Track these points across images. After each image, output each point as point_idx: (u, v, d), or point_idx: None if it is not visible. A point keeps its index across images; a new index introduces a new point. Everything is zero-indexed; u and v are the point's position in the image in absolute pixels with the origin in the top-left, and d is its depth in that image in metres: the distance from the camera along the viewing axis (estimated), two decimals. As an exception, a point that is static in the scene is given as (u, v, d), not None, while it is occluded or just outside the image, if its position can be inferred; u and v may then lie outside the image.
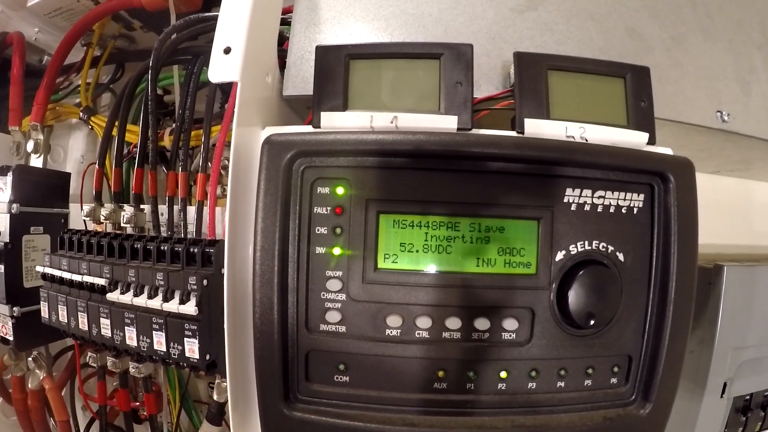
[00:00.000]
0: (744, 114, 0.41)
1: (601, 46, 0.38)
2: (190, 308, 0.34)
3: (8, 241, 0.44)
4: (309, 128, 0.31)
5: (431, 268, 0.28)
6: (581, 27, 0.38)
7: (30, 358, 0.48)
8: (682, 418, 0.48)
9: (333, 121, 0.30)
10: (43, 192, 0.48)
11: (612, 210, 0.30)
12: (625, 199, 0.30)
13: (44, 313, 0.43)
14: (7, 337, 0.45)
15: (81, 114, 0.50)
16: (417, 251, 0.27)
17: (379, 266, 0.28)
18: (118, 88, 0.56)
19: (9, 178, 0.45)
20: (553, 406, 0.29)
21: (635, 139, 0.32)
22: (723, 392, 0.47)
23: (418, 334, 0.28)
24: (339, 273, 0.28)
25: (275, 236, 0.27)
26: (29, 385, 0.48)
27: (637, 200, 0.30)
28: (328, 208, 0.28)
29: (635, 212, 0.30)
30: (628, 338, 0.30)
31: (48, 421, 0.50)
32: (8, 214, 0.45)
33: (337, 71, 0.31)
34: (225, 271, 0.29)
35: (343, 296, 0.28)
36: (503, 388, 0.29)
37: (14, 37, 0.51)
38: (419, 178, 0.28)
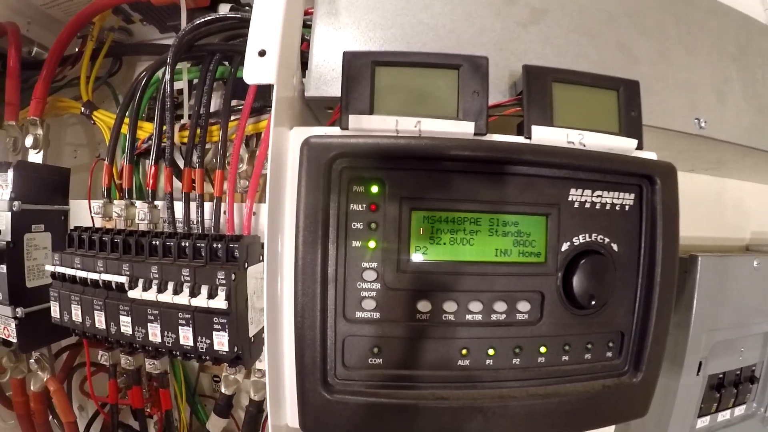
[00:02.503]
0: (719, 121, 0.49)
1: (595, 59, 0.44)
2: (221, 302, 0.38)
3: (10, 239, 0.46)
4: (336, 129, 0.35)
5: (458, 258, 0.33)
6: (578, 41, 0.44)
7: (32, 360, 0.50)
8: (663, 394, 0.56)
9: (360, 123, 0.35)
10: (44, 189, 0.49)
11: (608, 207, 0.36)
12: (618, 198, 0.37)
13: (55, 313, 0.45)
14: (9, 339, 0.47)
15: (83, 109, 0.51)
16: (445, 243, 0.33)
17: (411, 257, 0.33)
18: (115, 82, 0.58)
19: (10, 174, 0.47)
20: (559, 377, 0.36)
21: (626, 144, 0.39)
22: (699, 370, 0.56)
23: (445, 317, 0.33)
24: (374, 264, 0.33)
25: (318, 232, 0.31)
26: (31, 388, 0.50)
27: (628, 199, 0.37)
28: (364, 206, 0.33)
29: (627, 209, 0.37)
30: (621, 317, 0.37)
31: (50, 424, 0.52)
32: (9, 212, 0.46)
33: (364, 76, 0.36)
34: (265, 265, 0.33)
35: (378, 285, 0.33)
36: (517, 362, 0.35)
37: (9, 29, 0.52)
38: (446, 179, 0.33)
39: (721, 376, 0.58)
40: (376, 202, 0.33)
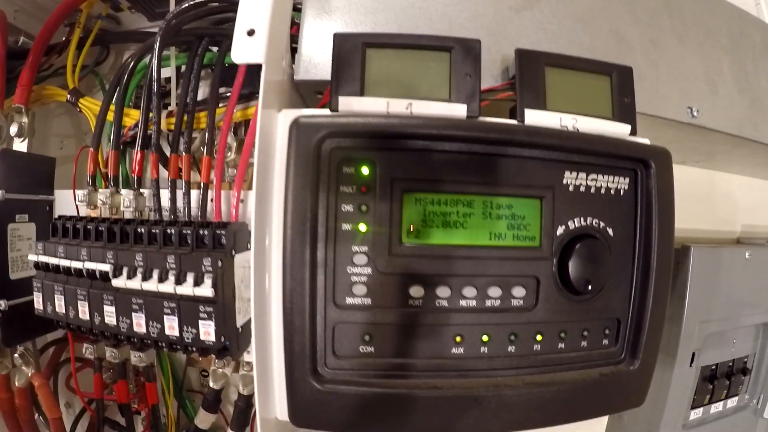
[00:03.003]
0: (711, 111, 0.49)
1: (588, 46, 0.43)
2: (207, 290, 0.36)
3: (-8, 229, 0.44)
4: (326, 111, 0.34)
5: (451, 242, 0.32)
6: (571, 27, 0.43)
7: (16, 355, 0.48)
8: (657, 385, 0.55)
9: (351, 105, 0.33)
10: (29, 178, 0.47)
11: (603, 191, 0.35)
12: (613, 182, 0.35)
13: (38, 304, 0.43)
14: (-8, 332, 0.45)
15: (69, 96, 0.49)
16: (437, 226, 0.31)
17: (403, 240, 0.31)
18: (102, 70, 0.56)
19: (-8, 163, 0.45)
20: (555, 365, 0.34)
21: (619, 130, 0.37)
22: (692, 361, 0.55)
23: (438, 302, 0.32)
24: (365, 248, 0.31)
25: (306, 215, 0.30)
26: (15, 383, 0.48)
27: (623, 183, 0.36)
28: (354, 187, 0.31)
29: (621, 193, 0.36)
30: (616, 304, 0.36)
31: (36, 420, 0.49)
32: (-8, 202, 0.44)
33: (354, 58, 0.34)
34: (252, 251, 0.31)
35: (368, 270, 0.31)
36: (512, 350, 0.33)
37: (-5, 16, 0.50)
38: (439, 160, 0.32)
39: (713, 367, 0.57)
40: (367, 183, 0.31)
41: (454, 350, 0.32)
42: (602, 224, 0.35)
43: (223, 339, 0.38)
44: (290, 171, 0.30)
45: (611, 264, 0.35)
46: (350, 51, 0.34)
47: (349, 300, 0.31)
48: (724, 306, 0.56)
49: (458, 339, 0.32)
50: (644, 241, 0.36)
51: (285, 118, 0.35)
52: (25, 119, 0.48)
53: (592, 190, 0.35)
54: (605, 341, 0.36)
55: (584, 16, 0.44)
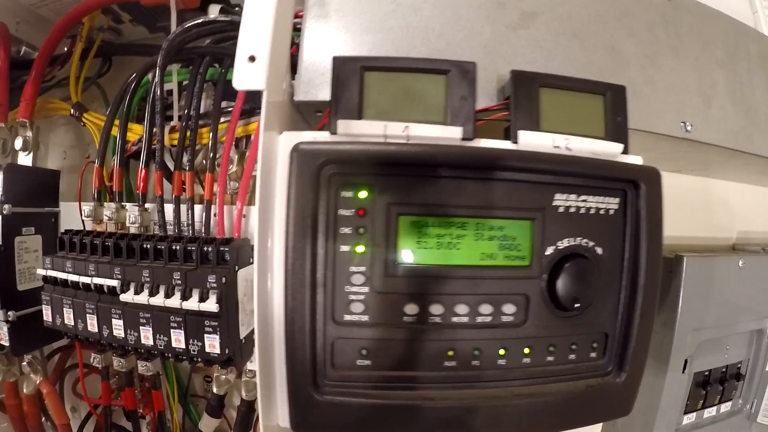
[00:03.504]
0: (704, 125, 0.51)
1: (584, 63, 0.45)
2: (212, 305, 0.39)
3: (0, 243, 0.47)
4: (326, 134, 0.36)
5: (444, 262, 0.34)
6: (567, 45, 0.45)
7: (24, 363, 0.50)
8: (649, 391, 0.58)
9: (349, 128, 0.35)
10: (34, 191, 0.50)
11: (592, 211, 0.37)
12: (603, 203, 0.38)
13: (47, 316, 0.45)
14: (1, 342, 0.47)
15: (72, 110, 0.52)
16: (431, 248, 0.34)
17: (398, 261, 0.34)
18: (105, 83, 0.58)
19: (-1, 177, 0.47)
20: (544, 377, 0.37)
21: (611, 149, 0.39)
22: (684, 368, 0.57)
23: (431, 319, 0.34)
24: (362, 268, 0.33)
25: (306, 237, 0.32)
26: (24, 390, 0.50)
27: (613, 203, 0.38)
28: (352, 211, 0.33)
29: (611, 213, 0.38)
30: (604, 318, 0.38)
31: (43, 426, 0.52)
32: (0, 215, 0.47)
33: (353, 81, 0.36)
34: (255, 268, 0.34)
35: (366, 289, 0.33)
36: (503, 363, 0.36)
37: (-2, 29, 0.52)
38: (433, 184, 0.34)
39: (707, 373, 0.60)
40: (365, 207, 0.33)
41: (447, 363, 0.35)
42: (591, 243, 0.37)
43: (227, 351, 0.41)
44: (291, 195, 0.32)
45: (599, 282, 0.37)
46: (349, 74, 0.36)
47: (347, 317, 0.34)
48: (717, 314, 0.58)
49: (450, 353, 0.35)
50: (632, 259, 0.38)
51: (286, 140, 0.37)
52: (29, 133, 0.50)
53: (582, 210, 0.37)
54: (593, 354, 0.39)
55: (580, 32, 0.46)
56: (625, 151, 0.40)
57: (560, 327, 0.37)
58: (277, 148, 0.37)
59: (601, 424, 0.61)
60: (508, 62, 0.43)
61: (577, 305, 0.36)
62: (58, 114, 0.54)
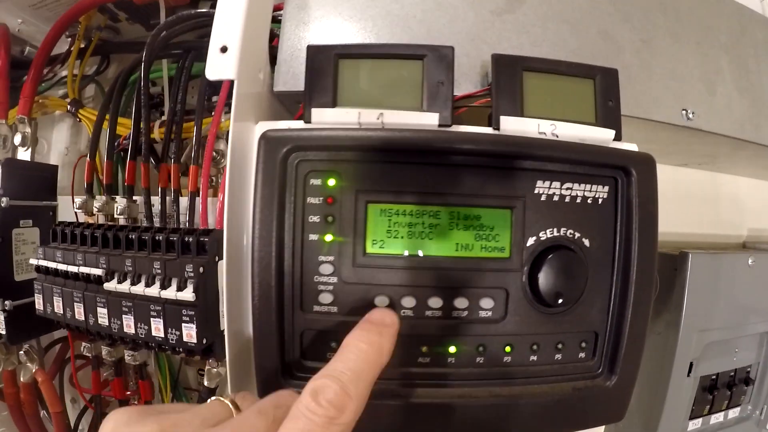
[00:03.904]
0: (708, 112, 0.47)
1: (574, 48, 0.42)
2: (188, 295, 0.38)
3: (-2, 234, 0.47)
4: (300, 123, 0.35)
5: (415, 252, 0.32)
6: (556, 29, 0.42)
7: (21, 352, 0.51)
8: (652, 394, 0.53)
9: (323, 116, 0.34)
10: (32, 185, 0.50)
11: (579, 200, 0.34)
12: (590, 191, 0.35)
13: (39, 305, 0.46)
14: (-1, 331, 0.48)
15: (69, 107, 0.52)
16: (402, 237, 0.31)
17: (367, 251, 0.32)
18: (103, 80, 0.59)
19: (-3, 171, 0.47)
20: (526, 377, 0.34)
21: (602, 135, 0.36)
22: (689, 371, 0.53)
23: (403, 312, 0.32)
24: (331, 258, 0.32)
25: (272, 225, 0.30)
26: (21, 379, 0.51)
27: (602, 191, 0.35)
28: (321, 199, 0.32)
29: (600, 202, 0.35)
30: (594, 316, 0.35)
31: (40, 414, 0.53)
32: (-2, 208, 0.47)
33: (327, 70, 0.35)
34: (225, 257, 0.33)
35: (334, 279, 0.32)
36: (481, 361, 0.33)
37: (-1, 29, 0.53)
38: (404, 171, 0.32)
39: (714, 377, 0.55)
40: (333, 195, 0.32)
41: (421, 359, 0.33)
42: (577, 235, 0.34)
43: (205, 341, 0.40)
44: (258, 182, 0.31)
45: (586, 276, 0.34)
46: (323, 62, 0.35)
47: (316, 307, 0.32)
48: (725, 314, 0.53)
49: (424, 349, 0.32)
50: (624, 251, 0.35)
51: (261, 130, 0.36)
52: (28, 129, 0.51)
53: (567, 199, 0.34)
54: (581, 354, 0.36)
55: (570, 16, 0.43)
56: (618, 138, 0.37)
57: (544, 324, 0.34)
58: (253, 137, 0.36)
59: (603, 428, 0.57)
60: (493, 48, 0.40)
61: (560, 301, 0.33)
62: (55, 110, 0.54)
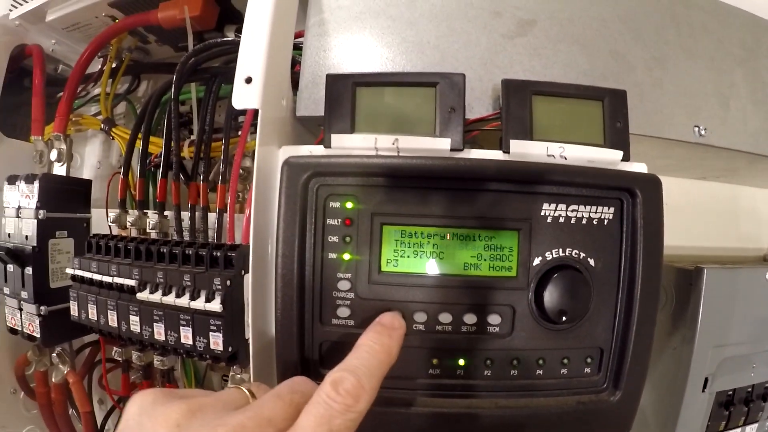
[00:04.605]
0: (721, 128, 0.49)
1: (585, 69, 0.45)
2: (216, 306, 0.42)
3: (36, 244, 0.53)
4: (320, 148, 0.39)
5: (427, 271, 0.35)
6: (567, 51, 0.45)
7: (54, 354, 0.56)
8: (666, 410, 0.56)
9: (342, 142, 0.38)
10: (67, 198, 0.56)
11: (584, 222, 0.37)
12: (596, 212, 0.38)
13: (74, 311, 0.51)
14: (34, 334, 0.54)
15: (102, 125, 0.57)
16: (414, 257, 0.35)
17: (382, 269, 0.35)
18: (134, 98, 0.64)
19: (36, 186, 0.53)
20: (532, 391, 0.37)
21: (610, 156, 0.39)
22: (705, 387, 0.55)
23: (415, 326, 0.36)
24: (348, 275, 0.36)
25: (294, 244, 0.35)
26: (52, 380, 0.57)
27: (607, 213, 0.38)
28: (339, 220, 0.36)
29: (605, 223, 0.38)
30: (599, 333, 0.38)
31: (69, 414, 0.58)
32: (35, 220, 0.53)
33: (345, 97, 0.39)
34: (251, 272, 0.37)
35: (351, 295, 0.36)
36: (488, 374, 0.37)
37: (35, 51, 0.59)
38: (417, 195, 0.35)
39: (730, 393, 0.57)
40: (351, 217, 0.36)
41: (431, 371, 0.36)
42: (582, 255, 0.37)
43: (230, 349, 0.44)
44: (281, 205, 0.35)
45: (590, 295, 0.37)
46: (341, 90, 0.39)
47: (334, 321, 0.36)
48: (742, 330, 0.55)
49: (435, 361, 0.36)
50: (629, 271, 0.38)
51: (285, 154, 0.40)
52: (63, 146, 0.56)
53: (573, 221, 0.37)
54: (587, 369, 0.38)
55: (581, 38, 0.46)
56: (626, 158, 0.40)
57: (550, 340, 0.37)
58: (278, 161, 0.40)
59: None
60: (504, 72, 0.44)
61: (564, 318, 0.36)
62: (89, 128, 0.60)
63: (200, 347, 0.44)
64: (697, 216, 0.59)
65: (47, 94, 0.59)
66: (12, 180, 0.55)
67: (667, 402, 0.57)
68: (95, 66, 0.61)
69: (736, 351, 0.56)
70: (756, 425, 0.59)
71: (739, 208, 0.65)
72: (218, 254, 0.45)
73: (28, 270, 0.53)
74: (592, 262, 0.38)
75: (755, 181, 0.64)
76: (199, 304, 0.43)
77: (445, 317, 0.36)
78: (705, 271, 0.53)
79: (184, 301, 0.44)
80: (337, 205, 0.36)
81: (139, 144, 0.53)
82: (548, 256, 0.37)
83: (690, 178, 0.61)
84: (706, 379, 0.55)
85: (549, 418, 0.37)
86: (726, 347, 0.55)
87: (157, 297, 0.45)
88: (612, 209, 0.38)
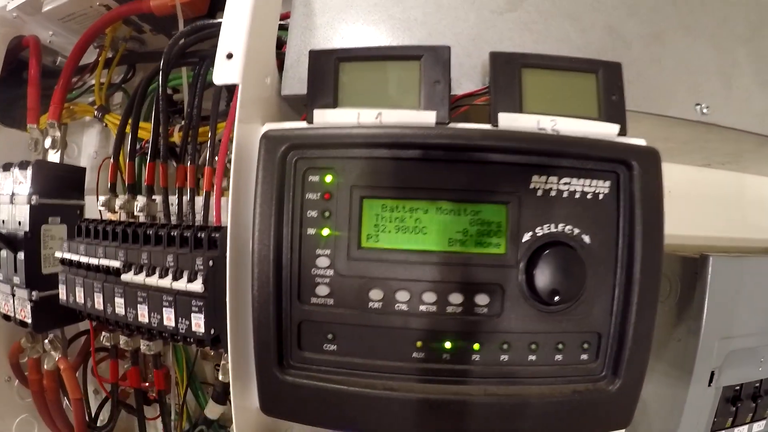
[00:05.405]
0: (724, 106, 0.45)
1: (579, 45, 0.42)
2: (197, 286, 0.40)
3: (28, 230, 0.51)
4: (304, 124, 0.36)
5: (409, 247, 0.33)
6: (559, 26, 0.42)
7: (46, 341, 0.55)
8: (670, 404, 0.51)
9: (324, 117, 0.36)
10: (60, 185, 0.54)
11: (578, 196, 0.34)
12: (590, 186, 0.34)
13: (62, 294, 0.49)
14: (25, 320, 0.52)
15: (95, 112, 0.56)
16: (396, 232, 0.33)
17: (362, 245, 0.33)
18: (130, 88, 0.63)
19: (29, 172, 0.52)
20: (524, 377, 0.34)
21: (606, 130, 0.36)
22: (710, 381, 0.51)
23: (398, 306, 0.33)
24: (327, 251, 0.33)
25: (271, 219, 0.32)
26: (45, 367, 0.55)
27: (602, 187, 0.35)
28: (318, 194, 0.33)
29: (601, 198, 0.35)
30: (596, 316, 0.35)
31: (62, 401, 0.57)
32: (28, 206, 0.52)
33: (328, 73, 0.36)
34: (228, 250, 0.35)
35: (330, 272, 0.33)
36: (477, 359, 0.34)
37: (31, 41, 0.58)
38: (399, 167, 0.33)
39: (738, 387, 0.53)
40: (330, 191, 0.33)
41: (415, 354, 0.33)
42: (576, 231, 0.34)
43: (213, 331, 0.42)
44: (258, 179, 0.33)
45: (585, 274, 0.33)
46: (324, 66, 0.37)
47: (313, 299, 0.33)
48: (749, 321, 0.51)
49: (419, 344, 0.33)
50: (627, 249, 0.34)
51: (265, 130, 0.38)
52: (57, 133, 0.55)
53: (565, 194, 0.34)
54: (584, 356, 0.35)
55: (574, 12, 0.43)
56: (623, 133, 0.37)
57: (543, 323, 0.34)
58: (259, 138, 0.38)
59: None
60: (494, 48, 0.41)
61: (557, 298, 0.33)
62: (83, 116, 0.59)
63: (182, 329, 0.42)
64: (702, 205, 0.55)
65: (45, 86, 0.58)
66: (7, 167, 0.54)
67: (670, 397, 0.53)
68: (92, 57, 0.60)
69: (743, 343, 0.51)
70: (764, 422, 0.55)
71: (745, 197, 0.61)
72: (202, 235, 0.43)
73: (21, 255, 0.52)
74: (586, 239, 0.34)
75: (762, 168, 0.60)
76: (181, 284, 0.41)
77: (430, 296, 0.33)
78: (711, 259, 0.49)
79: (166, 281, 0.42)
80: (316, 178, 0.33)
81: (129, 130, 0.51)
82: (539, 231, 0.33)
83: (694, 165, 0.57)
84: (712, 373, 0.51)
85: (542, 407, 0.33)
86: (733, 339, 0.51)
87: (140, 278, 0.44)
88: (608, 183, 0.35)
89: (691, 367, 0.50)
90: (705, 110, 0.44)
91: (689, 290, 0.51)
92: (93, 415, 0.60)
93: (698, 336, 0.50)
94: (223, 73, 0.36)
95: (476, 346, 0.34)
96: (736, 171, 0.60)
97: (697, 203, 0.55)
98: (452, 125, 0.35)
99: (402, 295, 0.33)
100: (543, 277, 0.33)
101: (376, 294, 0.33)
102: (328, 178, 0.33)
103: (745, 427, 0.54)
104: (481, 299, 0.33)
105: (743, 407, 0.52)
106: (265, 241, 0.32)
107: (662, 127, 0.47)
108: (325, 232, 0.33)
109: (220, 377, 0.55)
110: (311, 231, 0.33)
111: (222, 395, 0.56)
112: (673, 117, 0.44)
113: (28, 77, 0.55)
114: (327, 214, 0.33)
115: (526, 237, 0.33)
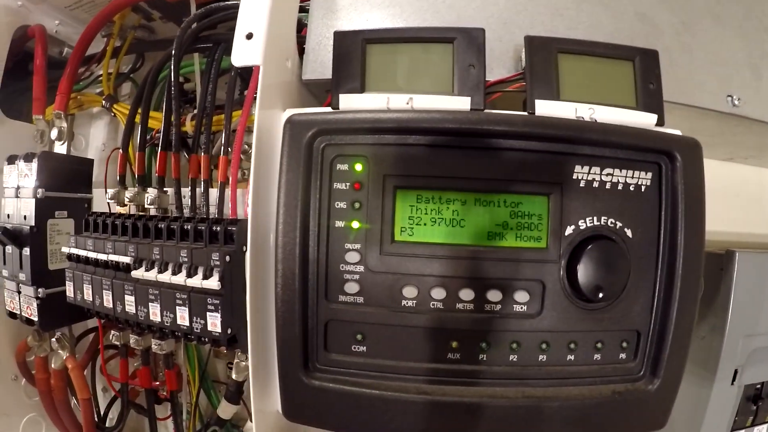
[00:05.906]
0: (755, 99, 0.43)
1: (611, 30, 0.39)
2: (213, 283, 0.37)
3: (33, 224, 0.47)
4: (328, 109, 0.33)
5: (445, 241, 0.29)
6: (591, 12, 0.39)
7: (53, 339, 0.51)
8: (693, 403, 0.49)
9: (351, 102, 0.32)
10: (67, 178, 0.50)
11: (620, 187, 0.31)
12: (633, 177, 0.31)
13: (69, 292, 0.46)
14: (32, 317, 0.48)
15: (103, 102, 0.52)
16: (432, 225, 0.29)
17: (395, 239, 0.30)
18: (139, 78, 0.59)
19: (34, 164, 0.48)
20: (562, 378, 0.31)
21: (644, 120, 0.33)
22: (734, 379, 0.48)
23: (433, 304, 0.30)
24: (357, 246, 0.30)
25: (297, 211, 0.29)
26: (52, 366, 0.51)
27: (644, 178, 0.32)
28: (347, 184, 0.30)
29: (643, 190, 0.32)
30: (636, 314, 0.32)
31: (69, 401, 0.53)
32: (33, 199, 0.48)
33: (355, 55, 0.33)
34: (248, 245, 0.31)
35: (361, 268, 0.30)
36: (514, 359, 0.30)
37: (36, 30, 0.54)
38: (434, 156, 0.30)
39: (759, 386, 0.50)
40: (361, 180, 0.30)
41: (450, 355, 0.30)
42: (619, 224, 0.31)
43: (230, 330, 0.38)
44: (283, 167, 0.30)
45: (628, 269, 0.31)
46: (351, 48, 0.33)
47: (342, 297, 0.30)
48: (774, 318, 0.48)
49: (455, 344, 0.30)
50: (669, 243, 0.32)
51: (288, 116, 0.34)
52: (64, 124, 0.51)
53: (608, 186, 0.31)
54: (622, 355, 0.32)
55: (606, -2, 0.40)
56: (660, 123, 0.34)
57: (582, 321, 0.31)
58: (281, 125, 0.35)
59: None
60: (526, 33, 0.38)
61: (601, 295, 0.30)
62: (91, 106, 0.55)
63: (197, 329, 0.39)
64: (725, 199, 0.53)
65: (51, 79, 0.54)
66: (12, 159, 0.50)
67: (693, 395, 0.50)
68: (100, 46, 0.56)
69: (766, 341, 0.49)
70: (788, 420, 0.52)
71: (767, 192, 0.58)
72: (218, 229, 0.39)
73: (26, 251, 0.48)
74: (629, 232, 0.31)
75: (784, 162, 0.57)
76: (196, 281, 0.38)
77: (467, 294, 0.30)
78: (737, 254, 0.47)
79: (180, 278, 0.38)
80: (345, 167, 0.30)
81: (139, 119, 0.47)
82: (581, 225, 0.30)
83: (717, 159, 0.55)
84: (736, 371, 0.48)
85: (582, 409, 0.30)
86: (757, 337, 0.48)
87: (152, 275, 0.40)
88: (650, 174, 0.32)
89: (715, 366, 0.48)
90: (737, 102, 0.42)
91: (713, 287, 0.49)
92: (102, 415, 0.56)
93: (723, 334, 0.47)
94: (243, 54, 0.33)
95: (514, 346, 0.31)
96: (758, 166, 0.57)
97: (720, 198, 0.52)
98: (487, 112, 0.32)
99: (438, 293, 0.30)
100: (586, 273, 0.30)
101: (410, 291, 0.30)
102: (359, 167, 0.30)
103: (765, 426, 0.51)
104: (521, 296, 0.30)
105: (764, 406, 0.50)
106: (291, 234, 0.29)
107: (691, 119, 0.44)
108: (355, 224, 0.30)
109: (234, 376, 0.51)
110: (340, 224, 0.30)
111: (235, 395, 0.53)
112: (705, 108, 0.41)
113: (34, 66, 0.51)
114: (357, 205, 0.30)
115: (569, 230, 0.30)
